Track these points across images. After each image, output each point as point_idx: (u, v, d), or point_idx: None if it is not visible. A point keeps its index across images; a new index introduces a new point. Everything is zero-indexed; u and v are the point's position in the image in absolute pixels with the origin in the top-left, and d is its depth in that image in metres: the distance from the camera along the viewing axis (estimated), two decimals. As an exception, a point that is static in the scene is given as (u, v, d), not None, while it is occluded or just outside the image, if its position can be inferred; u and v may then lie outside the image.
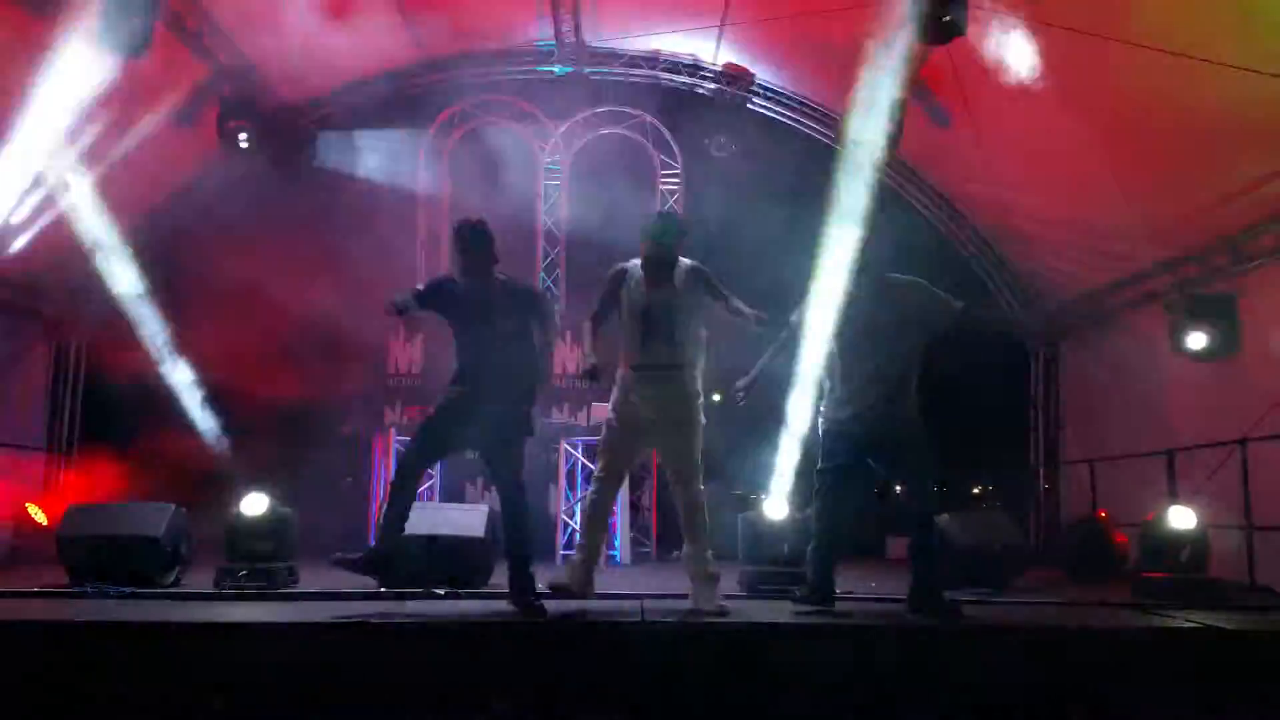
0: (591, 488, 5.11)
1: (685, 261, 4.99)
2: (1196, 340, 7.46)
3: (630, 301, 4.96)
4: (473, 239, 4.89)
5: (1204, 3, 6.23)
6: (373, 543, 4.80)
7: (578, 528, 8.58)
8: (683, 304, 4.91)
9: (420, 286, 5.01)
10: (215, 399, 6.78)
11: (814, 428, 5.27)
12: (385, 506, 4.90)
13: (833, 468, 5.02)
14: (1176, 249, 7.77)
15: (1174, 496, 6.86)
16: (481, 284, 4.91)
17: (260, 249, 8.22)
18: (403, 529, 4.81)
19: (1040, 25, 6.84)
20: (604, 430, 5.09)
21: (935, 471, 5.06)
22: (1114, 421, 8.81)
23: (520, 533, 4.81)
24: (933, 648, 4.31)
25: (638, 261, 5.00)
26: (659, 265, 4.94)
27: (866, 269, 4.94)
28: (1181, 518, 5.77)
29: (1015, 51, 7.37)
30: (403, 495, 4.83)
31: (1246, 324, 7.37)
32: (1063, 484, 9.99)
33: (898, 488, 5.17)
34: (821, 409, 5.15)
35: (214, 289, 8.07)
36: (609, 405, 5.08)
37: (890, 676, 4.11)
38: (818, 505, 5.08)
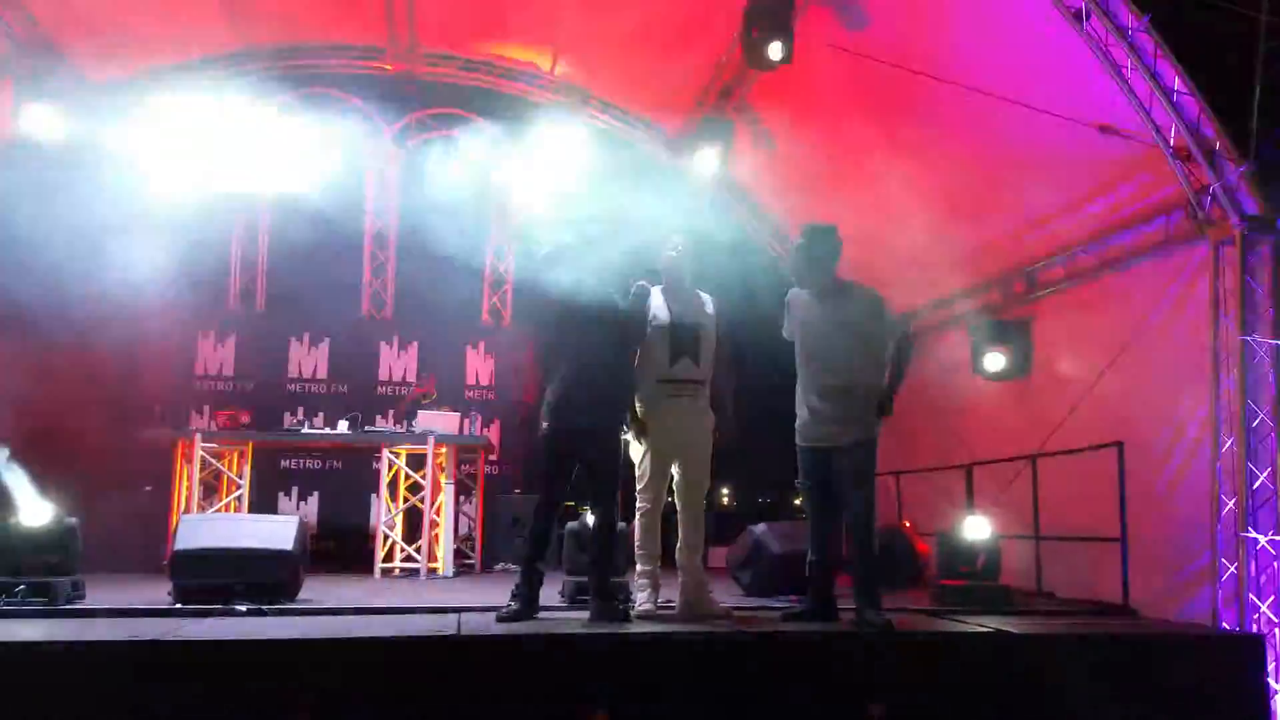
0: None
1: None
2: (994, 361, 8.03)
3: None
4: None
5: (1011, 46, 6.71)
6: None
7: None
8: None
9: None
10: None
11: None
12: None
13: (814, 482, 5.06)
14: (979, 276, 8.35)
15: (971, 508, 7.29)
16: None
17: (53, 238, 7.55)
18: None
19: (861, 57, 7.17)
20: None
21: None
22: (922, 435, 9.31)
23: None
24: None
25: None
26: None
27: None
28: (976, 528, 6.13)
29: (838, 81, 7.73)
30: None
31: (1038, 347, 7.99)
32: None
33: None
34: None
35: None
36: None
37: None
38: (810, 518, 5.14)
